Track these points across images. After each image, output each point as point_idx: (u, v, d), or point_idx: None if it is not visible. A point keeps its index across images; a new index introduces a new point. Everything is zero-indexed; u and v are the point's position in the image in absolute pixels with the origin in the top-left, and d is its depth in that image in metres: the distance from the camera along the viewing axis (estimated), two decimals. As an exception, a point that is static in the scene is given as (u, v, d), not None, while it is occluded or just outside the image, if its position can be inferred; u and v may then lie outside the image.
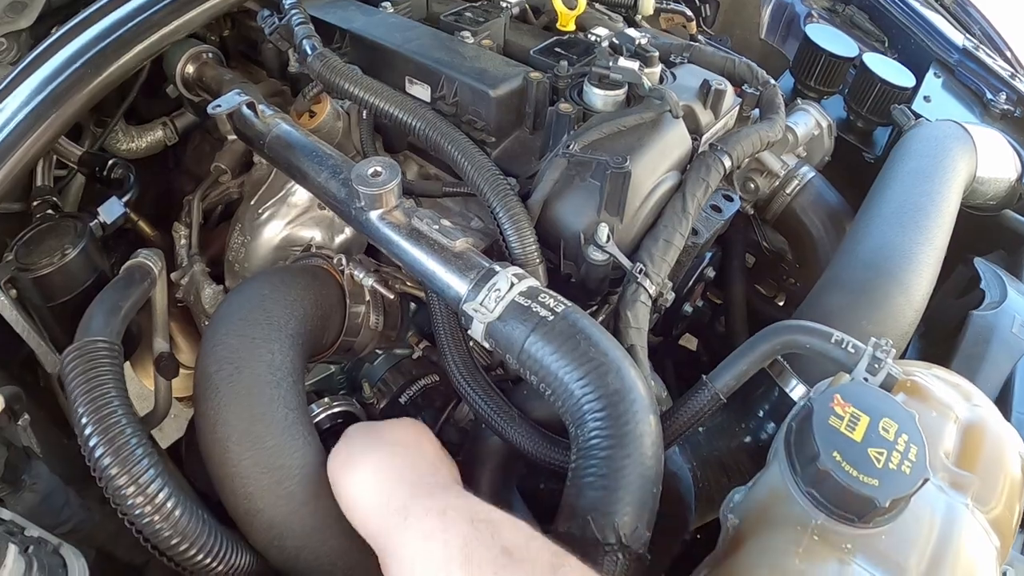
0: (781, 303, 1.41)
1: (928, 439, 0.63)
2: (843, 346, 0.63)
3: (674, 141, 0.77)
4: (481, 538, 0.47)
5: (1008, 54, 1.54)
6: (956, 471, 0.62)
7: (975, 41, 1.43)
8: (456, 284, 0.64)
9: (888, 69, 1.24)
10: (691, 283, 1.00)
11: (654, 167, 0.74)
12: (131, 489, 0.57)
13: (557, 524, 0.56)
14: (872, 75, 1.22)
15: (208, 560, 0.59)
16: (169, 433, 1.29)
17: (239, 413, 0.63)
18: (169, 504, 0.57)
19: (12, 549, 0.53)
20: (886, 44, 1.46)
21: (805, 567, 0.51)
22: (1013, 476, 0.66)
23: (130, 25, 0.78)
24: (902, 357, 1.09)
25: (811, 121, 1.15)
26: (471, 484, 0.70)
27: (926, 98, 1.27)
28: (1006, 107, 1.33)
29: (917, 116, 1.19)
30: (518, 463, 0.73)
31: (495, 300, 0.61)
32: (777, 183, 1.11)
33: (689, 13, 1.17)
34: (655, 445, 0.58)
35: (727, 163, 0.78)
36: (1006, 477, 0.65)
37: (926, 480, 0.52)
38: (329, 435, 0.81)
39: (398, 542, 0.50)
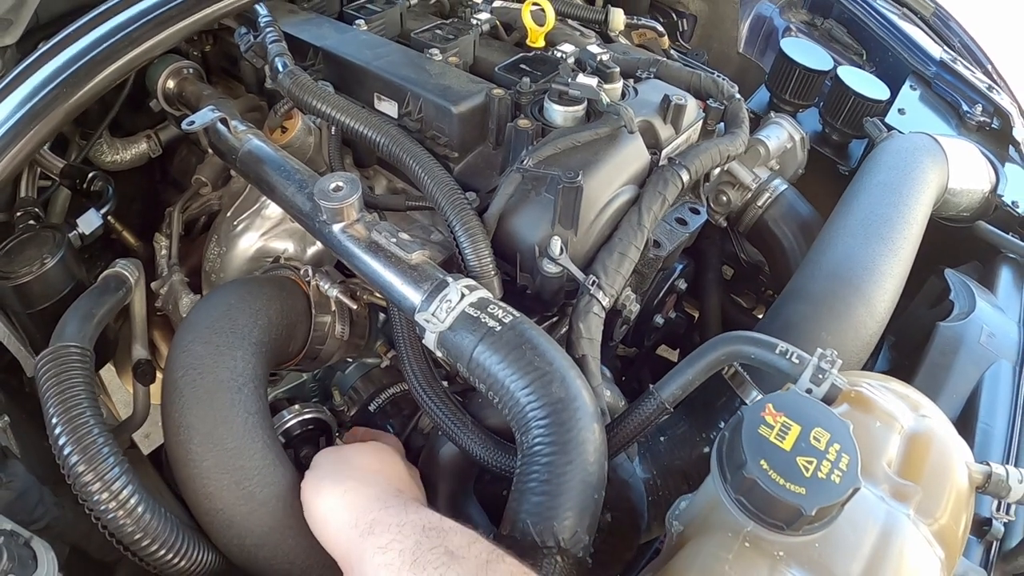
0: (760, 315, 1.42)
1: (870, 449, 0.65)
2: (787, 356, 0.64)
3: (630, 156, 0.79)
4: (429, 543, 0.52)
5: (988, 66, 1.56)
6: (898, 481, 0.63)
7: (953, 54, 1.44)
8: (411, 295, 0.66)
9: (862, 82, 1.26)
10: (661, 295, 1.01)
11: (609, 181, 0.76)
12: (97, 486, 0.59)
13: (502, 528, 0.58)
14: (846, 88, 1.24)
15: (171, 556, 0.61)
16: (155, 439, 1.32)
17: (201, 416, 0.65)
18: (133, 501, 0.60)
19: None
20: (864, 57, 1.48)
21: (735, 573, 0.52)
22: (960, 487, 0.67)
23: (106, 44, 0.81)
24: (870, 366, 1.10)
25: (784, 134, 1.17)
26: (429, 488, 0.72)
27: (900, 111, 1.28)
28: (982, 119, 1.35)
29: (890, 129, 1.21)
30: (474, 469, 0.74)
31: (446, 311, 0.63)
32: (749, 196, 1.12)
33: (660, 28, 1.19)
34: (598, 452, 0.59)
35: (685, 177, 0.80)
36: (952, 488, 0.66)
37: (856, 489, 0.53)
38: (300, 440, 0.83)
39: (361, 556, 0.55)
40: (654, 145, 0.84)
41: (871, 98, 1.24)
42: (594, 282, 0.71)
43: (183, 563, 0.62)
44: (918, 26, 1.50)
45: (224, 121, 0.84)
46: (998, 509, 0.80)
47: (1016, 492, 0.69)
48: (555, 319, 0.82)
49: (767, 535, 0.54)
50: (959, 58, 1.44)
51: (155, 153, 1.14)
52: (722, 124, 0.96)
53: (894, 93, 1.32)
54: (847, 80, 1.25)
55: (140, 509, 0.60)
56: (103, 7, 0.88)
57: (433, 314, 0.63)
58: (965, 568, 0.73)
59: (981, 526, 0.82)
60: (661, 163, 0.83)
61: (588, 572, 0.57)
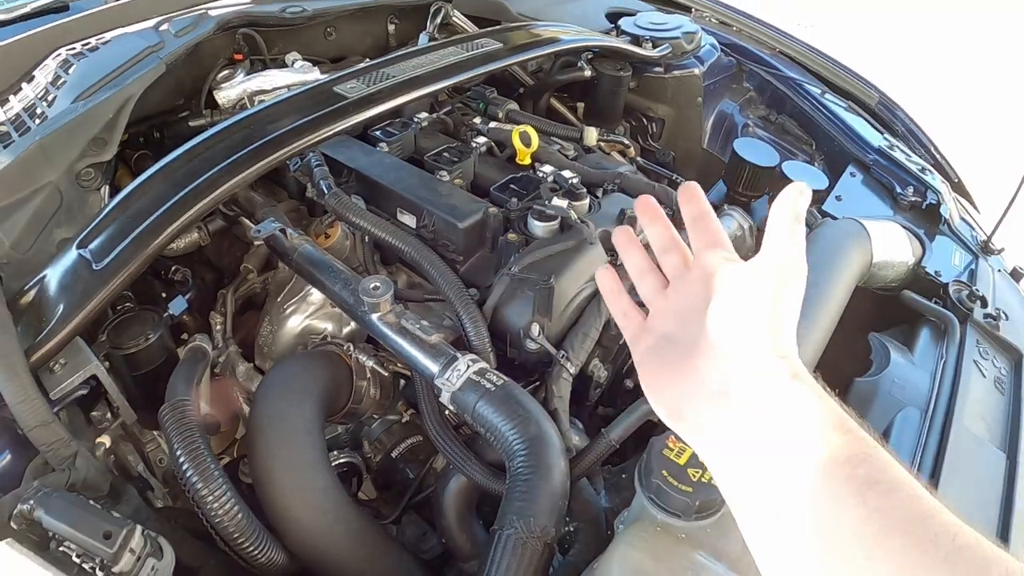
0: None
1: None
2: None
3: (592, 260, 1.24)
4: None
5: (930, 147, 2.04)
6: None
7: (890, 141, 1.93)
8: (430, 366, 1.09)
9: (804, 174, 1.74)
10: (629, 363, 1.46)
11: (575, 280, 1.21)
12: (215, 505, 0.99)
13: (496, 524, 1.00)
14: (788, 181, 1.71)
15: (254, 551, 1.00)
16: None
17: (285, 450, 1.08)
18: (236, 511, 0.99)
19: (138, 529, 0.86)
20: (814, 147, 1.97)
21: (651, 546, 0.95)
22: None
23: (206, 176, 1.26)
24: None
25: (733, 224, 1.63)
26: (441, 512, 1.16)
27: (838, 197, 1.75)
28: (914, 199, 1.81)
29: (824, 215, 1.68)
30: (476, 494, 1.18)
31: (456, 377, 1.07)
32: (703, 276, 1.58)
33: (626, 141, 1.67)
34: (562, 474, 1.02)
35: (634, 274, 1.26)
36: None
37: (728, 492, 0.96)
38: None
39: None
40: (612, 249, 1.29)
41: (811, 189, 1.71)
42: (564, 356, 1.16)
43: (262, 558, 1.02)
44: (861, 116, 1.99)
45: (283, 231, 1.30)
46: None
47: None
48: (537, 383, 1.26)
49: (672, 522, 0.96)
50: (897, 144, 1.93)
51: (204, 242, 1.59)
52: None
53: (838, 180, 1.79)
54: (790, 174, 1.72)
55: (240, 517, 1.01)
56: (200, 139, 1.34)
57: (447, 379, 1.07)
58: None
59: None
60: (620, 264, 1.29)
61: (552, 552, 0.99)
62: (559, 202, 1.25)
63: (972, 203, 2.06)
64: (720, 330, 0.62)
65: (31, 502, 0.81)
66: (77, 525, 0.80)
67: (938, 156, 2.03)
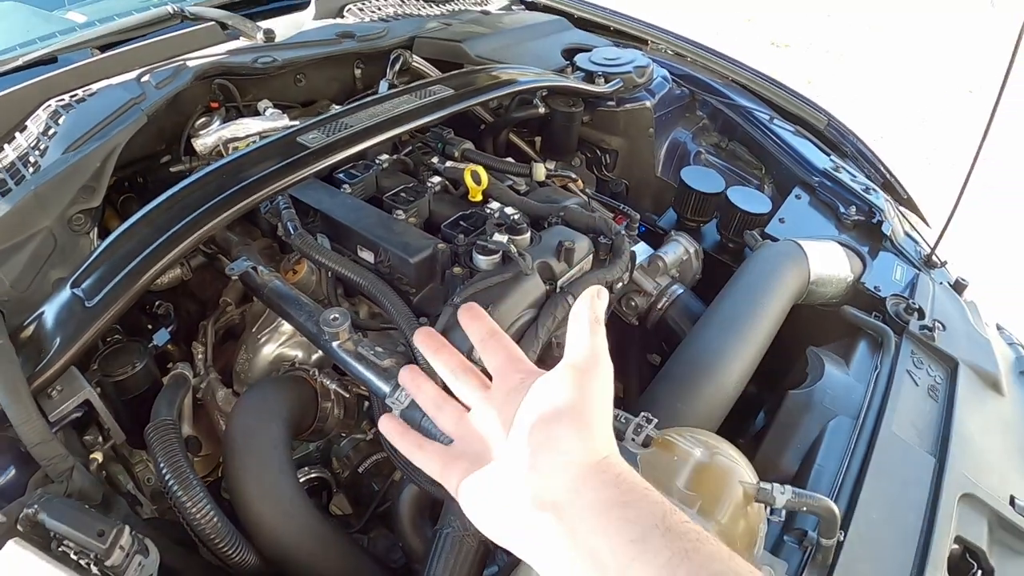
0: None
1: (665, 475, 1.27)
2: (618, 419, 1.28)
3: (529, 289, 1.44)
4: None
5: (880, 166, 2.25)
6: (684, 492, 1.24)
7: (837, 162, 2.13)
8: (383, 387, 1.30)
9: (747, 199, 1.94)
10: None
11: (513, 309, 1.41)
12: (194, 510, 1.19)
13: (439, 523, 1.20)
14: (733, 206, 1.92)
15: (228, 550, 1.20)
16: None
17: (254, 462, 1.29)
18: (213, 516, 1.19)
19: (127, 528, 1.01)
20: (764, 171, 2.18)
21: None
22: (736, 497, 1.24)
23: (189, 218, 1.48)
24: (749, 426, 1.74)
25: (680, 249, 1.84)
26: (397, 518, 1.36)
27: (781, 220, 1.95)
28: (857, 218, 2.02)
29: (765, 238, 1.88)
30: (429, 500, 1.38)
31: (404, 396, 1.27)
32: (652, 300, 1.78)
33: (574, 176, 1.89)
34: (497, 480, 1.22)
35: (571, 301, 1.46)
36: (730, 498, 1.24)
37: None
38: (308, 493, 1.47)
39: None
40: (551, 278, 1.50)
41: (753, 212, 1.92)
42: (502, 375, 1.36)
43: (236, 557, 1.21)
44: (807, 139, 2.20)
45: (255, 268, 1.52)
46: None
47: (780, 500, 1.21)
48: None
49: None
50: (843, 165, 2.13)
51: (187, 277, 1.80)
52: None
53: (780, 203, 1.99)
54: (733, 199, 1.93)
55: (216, 520, 1.20)
56: (180, 186, 1.56)
57: (396, 398, 1.28)
58: (770, 560, 1.33)
59: (802, 536, 1.42)
60: (557, 291, 1.50)
61: (487, 549, 1.19)
62: (500, 237, 1.46)
63: (922, 218, 2.26)
64: (529, 444, 0.66)
65: (35, 506, 1.02)
66: (74, 525, 1.01)
67: (887, 174, 2.23)
